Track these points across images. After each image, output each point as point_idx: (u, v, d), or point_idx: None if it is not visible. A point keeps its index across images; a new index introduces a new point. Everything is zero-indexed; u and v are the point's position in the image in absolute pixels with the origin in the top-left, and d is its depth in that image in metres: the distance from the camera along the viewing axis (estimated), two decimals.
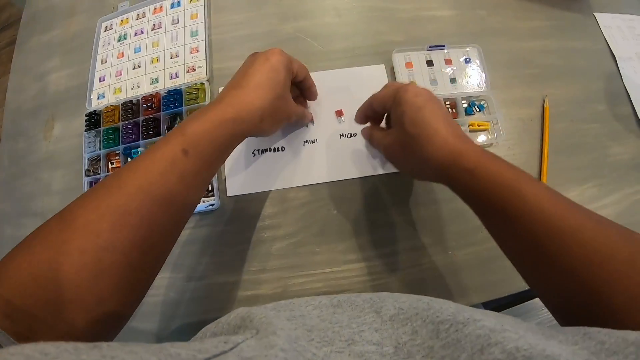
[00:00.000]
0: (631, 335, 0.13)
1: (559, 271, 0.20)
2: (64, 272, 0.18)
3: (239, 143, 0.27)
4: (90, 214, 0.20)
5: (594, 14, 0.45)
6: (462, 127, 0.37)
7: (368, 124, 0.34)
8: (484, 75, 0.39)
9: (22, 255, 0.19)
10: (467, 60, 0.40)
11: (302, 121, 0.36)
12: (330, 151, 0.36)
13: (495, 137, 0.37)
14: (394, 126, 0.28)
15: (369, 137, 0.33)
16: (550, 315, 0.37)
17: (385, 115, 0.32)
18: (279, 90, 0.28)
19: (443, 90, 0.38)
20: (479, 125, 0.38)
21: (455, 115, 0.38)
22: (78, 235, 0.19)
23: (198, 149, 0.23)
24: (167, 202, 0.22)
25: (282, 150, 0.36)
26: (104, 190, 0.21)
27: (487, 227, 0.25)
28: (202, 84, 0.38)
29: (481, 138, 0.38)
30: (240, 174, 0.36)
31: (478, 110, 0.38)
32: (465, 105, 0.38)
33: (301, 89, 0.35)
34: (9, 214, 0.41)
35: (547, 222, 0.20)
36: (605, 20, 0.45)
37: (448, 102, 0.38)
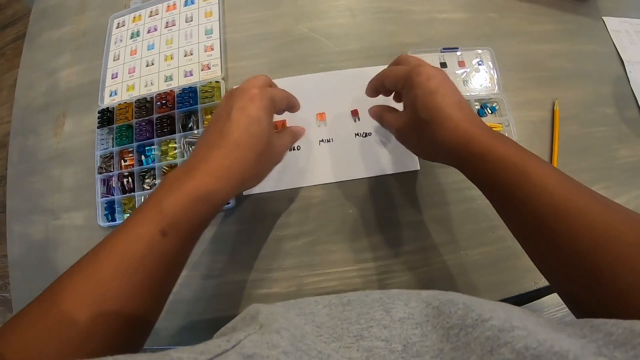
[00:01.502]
0: (638, 325, 0.13)
1: (565, 253, 0.20)
2: (50, 358, 0.18)
3: (221, 209, 0.25)
4: (68, 302, 0.19)
5: (603, 18, 0.45)
6: None
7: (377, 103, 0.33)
8: (496, 77, 0.39)
9: (7, 342, 0.19)
10: (480, 63, 0.40)
11: (295, 141, 0.33)
12: (346, 150, 0.36)
13: None
14: (406, 108, 0.27)
15: (378, 118, 0.32)
16: (556, 316, 0.38)
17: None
18: (261, 145, 0.25)
19: None
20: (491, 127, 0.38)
21: None
22: (57, 325, 0.19)
23: (176, 227, 0.22)
24: (147, 286, 0.21)
25: (298, 150, 0.37)
26: (81, 275, 0.20)
27: (497, 209, 0.25)
28: (217, 82, 0.38)
29: None
30: None
31: (490, 112, 0.39)
32: (478, 107, 0.39)
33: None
34: (19, 210, 0.41)
35: (553, 204, 0.20)
36: (614, 24, 0.45)
37: None
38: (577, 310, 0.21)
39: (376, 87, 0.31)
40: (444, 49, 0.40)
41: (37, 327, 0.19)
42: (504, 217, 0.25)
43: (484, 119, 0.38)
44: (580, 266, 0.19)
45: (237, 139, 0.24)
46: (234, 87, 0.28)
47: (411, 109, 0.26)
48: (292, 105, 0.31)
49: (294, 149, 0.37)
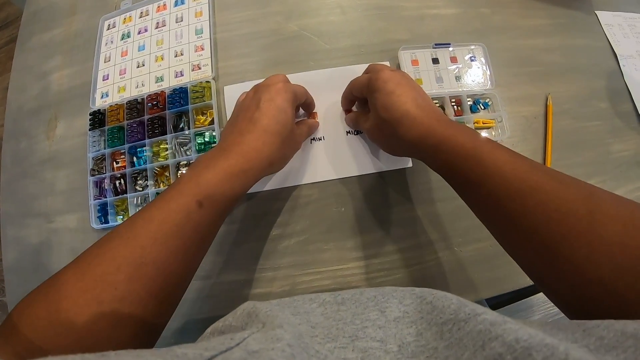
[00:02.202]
0: (629, 327, 0.13)
1: (522, 230, 0.21)
2: (82, 322, 0.18)
3: (251, 188, 0.27)
4: (106, 265, 0.20)
5: (596, 12, 0.45)
6: (467, 125, 0.38)
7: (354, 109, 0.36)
8: (488, 73, 0.39)
9: (39, 302, 0.19)
10: (472, 59, 0.40)
11: (312, 133, 0.37)
12: (338, 148, 0.36)
13: (500, 135, 0.38)
14: (371, 111, 0.30)
15: (353, 123, 0.35)
16: (551, 311, 0.37)
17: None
18: (286, 132, 0.28)
19: (448, 88, 0.39)
20: (483, 123, 0.38)
21: (461, 112, 0.38)
22: (95, 286, 0.19)
23: (212, 201, 0.23)
24: (182, 252, 0.22)
25: None
26: (118, 241, 0.21)
27: (460, 195, 0.26)
28: (207, 82, 0.38)
29: (486, 135, 0.38)
30: None
31: (483, 108, 0.39)
32: (470, 103, 0.39)
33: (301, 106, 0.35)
34: (13, 214, 0.41)
35: (506, 185, 0.21)
36: (607, 18, 0.45)
37: (453, 100, 0.38)
38: (545, 289, 0.22)
39: (347, 97, 0.35)
40: (435, 44, 0.40)
41: (71, 290, 0.19)
42: (466, 202, 0.26)
43: (477, 115, 0.38)
44: (537, 241, 0.20)
45: (266, 125, 0.27)
46: (258, 82, 0.31)
47: (374, 110, 0.29)
48: (309, 101, 0.35)
49: None
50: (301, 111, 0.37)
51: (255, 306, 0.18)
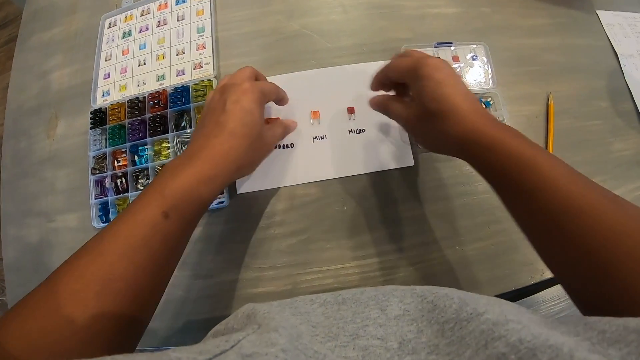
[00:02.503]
0: (631, 322, 0.13)
1: (574, 249, 0.20)
2: (55, 341, 0.18)
3: (219, 193, 0.27)
4: (75, 283, 0.20)
5: (596, 11, 0.45)
6: None
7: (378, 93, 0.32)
8: (490, 72, 0.39)
9: (14, 323, 0.19)
10: (474, 58, 0.40)
11: (287, 134, 0.35)
12: (339, 147, 0.36)
13: None
14: (414, 99, 0.27)
15: (383, 108, 0.31)
16: (552, 311, 0.38)
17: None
18: (254, 134, 0.27)
19: None
20: None
21: None
22: (65, 304, 0.19)
23: (178, 211, 0.23)
24: (151, 265, 0.22)
25: (291, 147, 0.36)
26: (87, 258, 0.21)
27: (505, 202, 0.24)
28: (209, 80, 0.38)
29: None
30: None
31: (485, 107, 0.39)
32: None
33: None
34: (13, 214, 0.41)
35: (562, 200, 0.20)
36: (608, 17, 0.45)
37: None
38: (581, 304, 0.21)
39: (381, 80, 0.31)
40: (437, 43, 0.40)
41: (43, 309, 0.19)
42: (511, 211, 0.24)
43: None
44: (589, 262, 0.19)
45: (232, 129, 0.26)
46: (222, 79, 0.30)
47: (419, 100, 0.26)
48: (280, 97, 0.33)
49: (287, 147, 0.36)
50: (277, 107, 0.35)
51: (255, 308, 0.18)
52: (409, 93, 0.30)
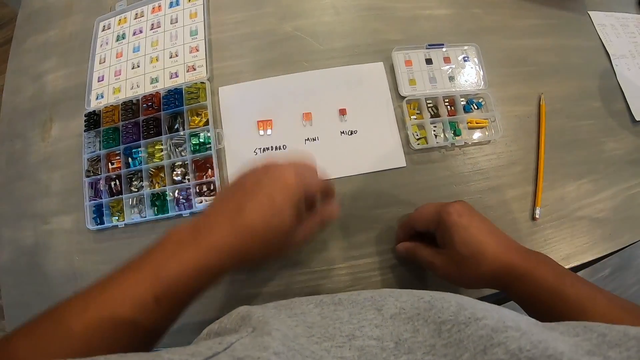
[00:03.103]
0: (631, 330, 0.13)
1: None
2: None
3: (218, 284, 0.24)
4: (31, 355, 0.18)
5: (588, 12, 0.46)
6: (460, 125, 0.38)
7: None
8: (481, 73, 0.39)
9: None
10: (466, 59, 0.40)
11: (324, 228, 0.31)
12: (332, 149, 0.37)
13: (493, 134, 0.38)
14: (444, 247, 0.28)
15: (413, 255, 0.31)
16: None
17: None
18: (276, 240, 0.24)
19: (442, 88, 0.39)
20: (477, 123, 0.38)
21: (454, 112, 0.38)
22: None
23: (170, 296, 0.21)
24: (132, 346, 0.20)
25: (284, 149, 0.37)
26: (71, 322, 0.19)
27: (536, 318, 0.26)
28: (202, 83, 0.38)
29: (479, 135, 0.38)
30: None
31: (476, 107, 0.39)
32: (464, 102, 0.39)
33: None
34: (8, 216, 0.41)
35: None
36: (599, 18, 0.45)
37: (447, 100, 0.38)
38: None
39: (406, 230, 0.33)
40: (429, 45, 0.40)
41: None
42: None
43: (470, 115, 0.38)
44: None
45: (254, 226, 0.23)
46: (272, 158, 0.25)
47: (450, 247, 0.27)
48: (327, 191, 0.29)
49: (279, 148, 0.37)
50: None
51: (250, 310, 0.18)
52: (434, 240, 0.30)
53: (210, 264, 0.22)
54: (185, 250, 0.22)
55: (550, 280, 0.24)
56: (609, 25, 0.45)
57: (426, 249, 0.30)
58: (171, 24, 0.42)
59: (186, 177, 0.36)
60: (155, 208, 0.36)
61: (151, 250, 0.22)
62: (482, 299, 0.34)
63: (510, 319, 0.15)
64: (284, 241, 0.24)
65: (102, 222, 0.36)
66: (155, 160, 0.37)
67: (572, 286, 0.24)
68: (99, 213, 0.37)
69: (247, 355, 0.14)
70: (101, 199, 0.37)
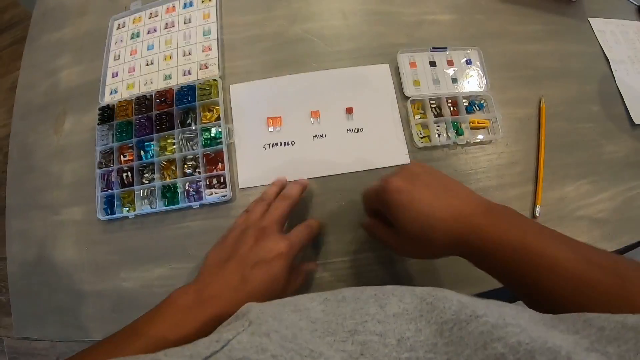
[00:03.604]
0: (630, 319, 0.13)
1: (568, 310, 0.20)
2: None
3: None
4: None
5: (588, 19, 0.47)
6: (463, 125, 0.39)
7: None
8: (483, 75, 0.41)
9: None
10: (468, 62, 0.41)
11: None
12: (338, 146, 0.38)
13: (494, 135, 0.39)
14: (396, 227, 0.27)
15: (372, 235, 0.31)
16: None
17: None
18: (272, 297, 0.25)
19: (445, 90, 0.40)
20: (479, 123, 0.39)
21: (457, 112, 0.39)
22: None
23: None
24: None
25: (292, 145, 0.38)
26: None
27: (503, 284, 0.24)
28: (215, 80, 0.39)
29: (481, 135, 0.39)
30: (251, 167, 0.37)
31: (478, 108, 0.40)
32: (466, 104, 0.40)
33: None
34: (17, 207, 0.42)
35: (562, 287, 0.21)
36: (599, 24, 0.47)
37: (450, 101, 0.39)
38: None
39: (366, 210, 0.32)
40: (433, 48, 0.41)
41: None
42: (518, 295, 0.24)
43: (472, 115, 0.39)
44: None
45: (256, 294, 0.25)
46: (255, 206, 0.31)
47: (399, 227, 0.26)
48: (312, 238, 0.32)
49: (288, 144, 0.38)
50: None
51: (250, 306, 0.19)
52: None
53: (209, 330, 0.22)
54: (191, 319, 0.23)
55: (511, 238, 0.22)
56: (609, 32, 0.47)
57: (383, 229, 0.29)
58: (185, 23, 0.43)
59: (197, 170, 0.37)
60: (166, 200, 0.36)
61: (156, 315, 0.24)
62: (484, 295, 0.35)
63: (511, 316, 0.16)
64: (280, 295, 0.26)
65: (112, 213, 0.37)
66: (167, 153, 0.38)
67: (536, 240, 0.22)
68: (109, 204, 0.38)
69: (245, 357, 0.14)
70: (112, 190, 0.38)
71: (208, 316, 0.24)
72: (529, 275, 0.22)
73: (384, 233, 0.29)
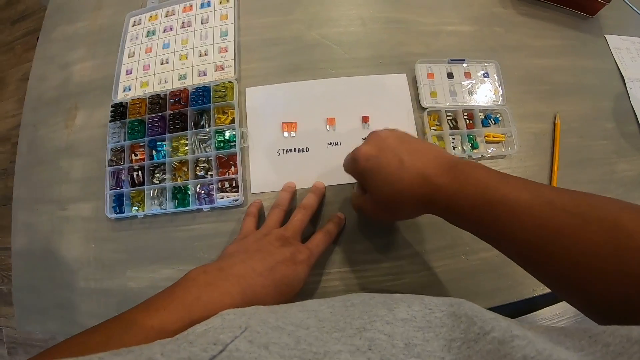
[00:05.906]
0: (634, 332, 0.13)
1: (550, 276, 0.21)
2: None
3: None
4: None
5: (605, 35, 0.47)
6: (478, 138, 0.39)
7: None
8: (500, 89, 0.41)
9: None
10: (485, 75, 0.41)
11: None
12: None
13: (509, 149, 0.39)
14: (368, 192, 0.28)
15: (353, 205, 0.33)
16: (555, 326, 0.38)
17: None
18: (297, 292, 0.28)
19: (462, 102, 0.40)
20: (494, 137, 0.39)
21: (472, 125, 0.39)
22: None
23: None
24: None
25: (307, 151, 0.37)
26: None
27: (481, 239, 0.24)
28: (230, 82, 0.39)
29: (495, 149, 0.39)
30: (264, 172, 0.37)
31: (494, 122, 0.40)
32: (482, 117, 0.40)
33: None
34: (24, 200, 0.42)
35: (526, 235, 0.21)
36: (615, 42, 0.47)
37: (466, 113, 0.39)
38: (593, 314, 0.21)
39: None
40: (451, 60, 0.41)
41: None
42: (488, 242, 0.24)
43: (487, 129, 0.39)
44: (567, 284, 0.20)
45: (278, 283, 0.26)
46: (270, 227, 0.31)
47: (371, 192, 0.27)
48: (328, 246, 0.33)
49: (302, 150, 0.38)
50: None
51: (244, 311, 0.19)
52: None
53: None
54: (211, 293, 0.23)
55: (471, 192, 0.22)
56: (625, 49, 0.47)
57: (358, 199, 0.30)
58: (202, 24, 0.43)
59: (209, 173, 0.36)
60: (176, 201, 0.36)
61: (175, 291, 0.23)
62: (495, 309, 0.35)
63: (518, 328, 0.16)
64: (292, 300, 0.27)
65: (121, 212, 0.37)
66: (179, 154, 0.37)
67: (497, 191, 0.22)
68: (119, 202, 0.37)
69: None
70: (122, 188, 0.37)
71: (227, 300, 0.23)
72: (493, 226, 0.22)
73: (359, 199, 0.30)
